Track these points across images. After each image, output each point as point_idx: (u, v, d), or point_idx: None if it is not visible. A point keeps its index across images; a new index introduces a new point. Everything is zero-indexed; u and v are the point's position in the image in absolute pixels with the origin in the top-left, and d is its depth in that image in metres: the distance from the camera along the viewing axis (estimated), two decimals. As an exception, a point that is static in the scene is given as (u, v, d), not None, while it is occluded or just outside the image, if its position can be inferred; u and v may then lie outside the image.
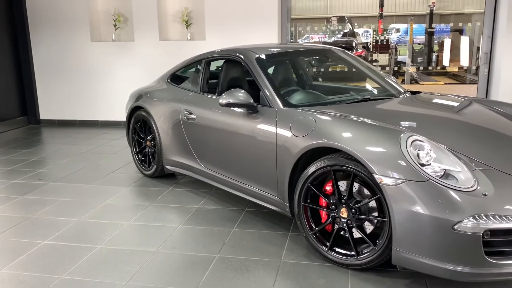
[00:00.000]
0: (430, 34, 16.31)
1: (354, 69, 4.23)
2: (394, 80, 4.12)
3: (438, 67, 15.06)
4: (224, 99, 3.22)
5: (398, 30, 19.00)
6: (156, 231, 3.28)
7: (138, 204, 3.86)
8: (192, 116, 3.81)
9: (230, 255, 2.88)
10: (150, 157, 4.50)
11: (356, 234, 2.62)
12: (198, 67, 4.15)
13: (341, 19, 19.12)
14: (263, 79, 3.34)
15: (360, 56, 15.35)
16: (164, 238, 3.15)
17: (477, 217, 2.14)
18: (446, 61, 13.81)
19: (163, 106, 4.20)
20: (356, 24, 20.31)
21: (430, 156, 2.35)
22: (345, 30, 19.17)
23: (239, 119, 3.33)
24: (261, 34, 6.73)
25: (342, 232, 2.69)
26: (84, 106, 7.60)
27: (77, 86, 7.55)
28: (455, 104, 3.43)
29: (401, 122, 2.81)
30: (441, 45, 15.01)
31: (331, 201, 2.69)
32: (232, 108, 3.31)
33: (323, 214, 2.77)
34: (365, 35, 19.31)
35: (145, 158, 4.59)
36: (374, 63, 18.54)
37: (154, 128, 4.28)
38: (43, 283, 2.59)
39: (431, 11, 17.02)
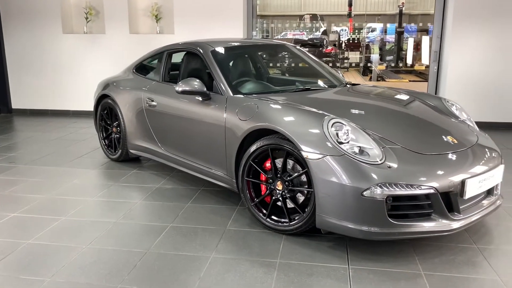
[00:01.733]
0: (399, 34, 16.94)
1: (304, 63, 4.65)
2: (339, 73, 4.56)
3: (408, 65, 15.65)
4: (180, 87, 3.59)
5: (374, 30, 19.64)
6: (117, 206, 3.62)
7: (103, 184, 4.19)
8: (154, 103, 4.16)
9: (181, 225, 3.25)
10: (116, 142, 4.82)
11: (290, 204, 3.03)
12: (161, 58, 4.49)
13: (313, 17, 19.65)
14: (217, 70, 3.71)
15: (330, 53, 15.90)
16: (124, 211, 3.50)
17: (381, 185, 2.57)
18: (409, 59, 14.45)
19: (127, 94, 4.53)
20: (333, 23, 20.87)
21: (348, 135, 2.77)
22: (322, 28, 19.70)
23: (194, 105, 3.70)
24: (228, 29, 7.09)
25: (278, 203, 3.09)
26: (56, 96, 7.83)
27: (49, 76, 7.78)
28: (383, 93, 3.89)
29: (330, 108, 3.23)
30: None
31: (269, 176, 3.09)
32: (187, 95, 3.67)
33: (263, 187, 3.17)
34: (342, 33, 19.91)
35: (111, 143, 4.91)
36: (345, 61, 19.12)
37: (120, 115, 4.60)
38: (11, 247, 2.91)
39: (401, 11, 17.66)
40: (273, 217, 3.11)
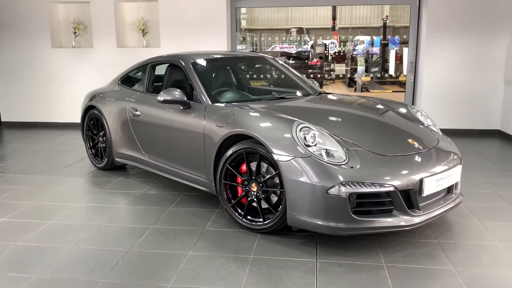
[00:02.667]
0: (384, 46, 17.38)
1: (282, 74, 4.91)
2: (314, 83, 4.81)
3: (393, 76, 16.05)
4: (161, 96, 3.80)
5: (362, 42, 20.09)
6: (102, 210, 3.80)
7: (88, 190, 4.37)
8: (137, 113, 4.37)
9: (162, 226, 3.44)
10: (102, 152, 5.00)
11: (265, 204, 3.23)
12: (145, 70, 4.71)
13: (299, 31, 20.06)
14: (197, 80, 3.94)
15: (315, 65, 16.27)
16: (108, 215, 3.67)
17: (344, 184, 2.79)
18: (391, 70, 14.84)
19: (113, 105, 4.73)
20: (320, 36, 21.30)
21: (315, 139, 2.99)
22: (310, 42, 20.12)
23: (175, 114, 3.91)
24: (212, 42, 7.34)
25: (254, 204, 3.29)
26: (45, 109, 8.00)
27: (38, 89, 7.95)
28: (352, 101, 4.14)
29: (301, 114, 3.46)
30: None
31: (245, 178, 3.30)
32: (169, 104, 3.88)
33: (239, 189, 3.37)
34: (331, 46, 20.38)
35: (97, 152, 5.09)
36: (331, 73, 19.52)
37: (105, 125, 4.80)
38: (1, 247, 3.08)
39: (385, 24, 18.16)
40: (248, 217, 3.31)
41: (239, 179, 3.36)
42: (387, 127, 3.55)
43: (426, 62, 7.09)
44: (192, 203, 3.93)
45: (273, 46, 20.46)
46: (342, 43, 21.12)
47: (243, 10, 25.12)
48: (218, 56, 4.64)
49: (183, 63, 4.15)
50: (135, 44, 7.87)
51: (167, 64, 4.49)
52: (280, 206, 3.10)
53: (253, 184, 3.24)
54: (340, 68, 19.37)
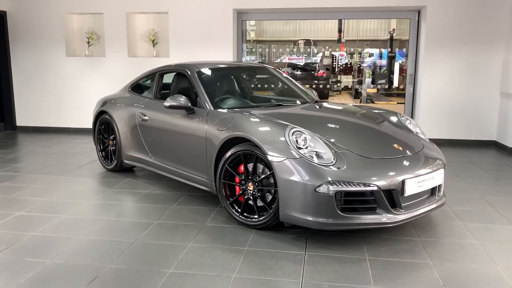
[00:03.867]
0: (390, 58, 17.66)
1: (282, 84, 5.21)
2: (313, 92, 5.10)
3: (400, 88, 16.29)
4: (168, 102, 4.11)
5: (372, 55, 20.42)
6: (110, 207, 4.09)
7: (98, 189, 4.67)
8: (146, 118, 4.68)
9: (166, 221, 3.72)
10: (111, 154, 5.32)
11: (260, 202, 3.50)
12: (153, 78, 5.03)
13: (307, 42, 20.44)
14: (201, 87, 4.24)
15: (321, 76, 16.60)
16: (116, 211, 3.97)
17: (331, 183, 3.05)
18: (396, 82, 15.10)
19: (123, 110, 5.05)
20: (329, 48, 21.65)
21: (306, 141, 3.27)
22: (320, 53, 20.49)
23: (181, 119, 4.22)
24: (219, 52, 7.68)
25: (250, 202, 3.56)
26: (58, 115, 8.37)
27: (52, 96, 8.33)
28: (344, 109, 4.44)
29: (295, 120, 3.74)
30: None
31: (242, 178, 3.57)
32: (175, 109, 4.18)
33: (237, 188, 3.65)
34: (341, 58, 20.79)
35: (107, 155, 5.40)
36: (338, 84, 19.81)
37: (116, 128, 5.11)
38: (17, 237, 3.37)
39: (391, 37, 18.45)
40: (245, 214, 3.58)
41: (237, 179, 3.64)
42: (375, 132, 3.82)
43: (424, 74, 7.36)
44: (194, 202, 4.21)
45: (282, 57, 20.84)
46: (349, 55, 21.49)
47: (252, 22, 25.69)
48: (222, 66, 4.95)
49: (188, 72, 4.46)
50: (145, 54, 8.23)
51: (175, 73, 4.81)
52: (274, 204, 3.36)
53: (250, 184, 3.52)
54: (347, 80, 19.71)
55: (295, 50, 20.41)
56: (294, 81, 5.20)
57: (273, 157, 3.26)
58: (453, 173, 5.39)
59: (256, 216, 3.50)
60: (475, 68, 7.18)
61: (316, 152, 3.23)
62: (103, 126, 5.42)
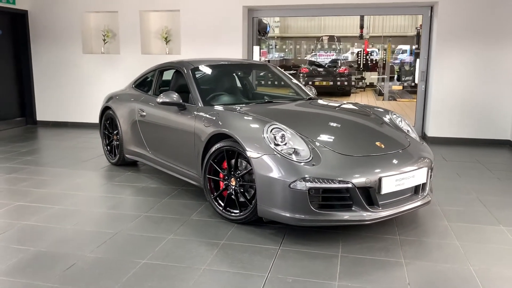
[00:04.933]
0: (416, 55, 17.30)
1: (281, 81, 5.25)
2: (311, 89, 5.11)
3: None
4: (160, 98, 4.22)
5: (405, 51, 20.08)
6: (105, 199, 4.25)
7: (98, 182, 4.84)
8: (144, 113, 4.82)
9: (153, 214, 3.84)
10: (115, 149, 5.49)
11: (241, 198, 3.57)
12: (153, 75, 5.16)
13: (331, 39, 20.25)
14: (193, 84, 4.34)
15: (343, 73, 16.43)
16: (110, 204, 4.12)
17: (305, 179, 3.08)
18: (417, 79, 14.78)
19: (125, 106, 5.21)
20: (354, 44, 21.37)
21: (284, 138, 3.31)
22: (350, 50, 20.30)
23: (173, 115, 4.33)
24: (230, 49, 7.76)
25: (233, 197, 3.63)
26: (76, 110, 8.66)
27: (70, 92, 8.63)
28: (335, 106, 4.45)
29: (280, 116, 3.79)
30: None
31: (225, 173, 3.65)
32: (169, 106, 4.29)
33: (221, 183, 3.72)
34: (374, 54, 20.60)
35: (112, 149, 5.59)
36: (362, 81, 19.55)
37: (118, 124, 5.28)
38: (9, 226, 3.57)
39: (418, 33, 18.04)
40: (228, 208, 3.66)
41: (221, 174, 3.71)
42: (359, 130, 3.82)
43: (437, 71, 7.22)
44: (186, 196, 4.32)
45: (314, 53, 20.66)
46: (374, 52, 21.16)
47: (276, 18, 25.49)
48: (221, 63, 5.02)
49: (184, 68, 4.56)
50: (158, 51, 8.41)
51: (174, 70, 4.92)
52: (253, 200, 3.42)
53: (232, 179, 3.59)
54: (373, 77, 19.42)
55: (318, 46, 20.26)
56: (292, 78, 5.22)
57: (251, 153, 3.32)
58: (455, 172, 5.30)
59: (237, 211, 3.57)
60: (489, 65, 6.99)
61: (295, 149, 3.27)
62: (108, 122, 5.60)
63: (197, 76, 4.46)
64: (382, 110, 4.37)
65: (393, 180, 3.25)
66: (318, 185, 3.09)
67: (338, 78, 16.38)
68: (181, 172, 4.31)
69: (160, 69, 5.07)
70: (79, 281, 2.70)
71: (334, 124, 3.86)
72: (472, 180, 4.97)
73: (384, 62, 19.10)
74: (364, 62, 20.42)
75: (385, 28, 21.10)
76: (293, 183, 3.10)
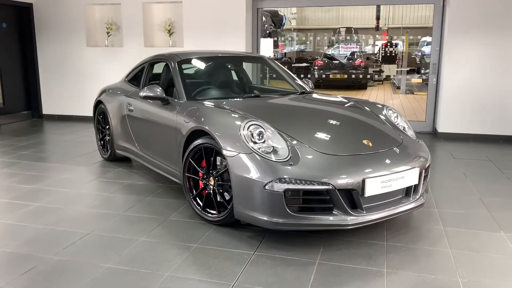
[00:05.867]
0: (439, 47, 16.70)
1: (276, 74, 5.02)
2: (307, 82, 4.86)
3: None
4: (143, 92, 4.05)
5: (430, 43, 19.43)
6: (86, 197, 4.11)
7: (85, 179, 4.71)
8: (131, 108, 4.66)
9: (131, 214, 3.68)
10: (107, 144, 5.37)
11: (220, 198, 3.37)
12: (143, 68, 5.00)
13: (348, 30, 19.79)
14: (178, 77, 4.15)
15: (359, 66, 16.01)
16: (90, 201, 3.98)
17: (281, 180, 2.86)
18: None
19: (114, 100, 5.07)
20: (373, 36, 20.81)
21: (262, 136, 3.09)
22: (377, 42, 19.81)
23: (157, 109, 4.15)
24: (232, 41, 7.54)
25: (212, 196, 3.44)
26: (80, 103, 8.60)
27: (74, 85, 8.58)
28: (328, 101, 4.22)
29: (263, 112, 3.57)
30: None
31: (203, 172, 3.46)
32: (154, 100, 4.12)
33: (200, 182, 3.54)
34: (398, 46, 20.08)
35: (105, 144, 5.46)
36: (380, 73, 19.05)
37: (109, 118, 5.15)
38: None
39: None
40: (207, 209, 3.47)
41: (201, 173, 3.52)
42: (347, 127, 3.56)
43: (449, 64, 6.85)
44: (170, 195, 4.15)
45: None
46: (394, 44, 20.56)
47: (293, 10, 25.07)
48: (212, 55, 4.82)
49: (170, 61, 4.37)
50: (162, 44, 8.25)
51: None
52: (231, 201, 3.21)
53: (211, 178, 3.39)
54: (392, 70, 18.87)
55: (335, 38, 19.79)
56: (288, 71, 4.98)
57: (227, 151, 3.11)
58: (461, 172, 4.98)
59: (215, 212, 3.38)
60: (504, 58, 6.58)
61: (273, 147, 3.05)
62: (101, 116, 5.48)
63: (185, 69, 4.27)
64: (379, 106, 4.09)
65: (379, 182, 3.00)
66: (294, 186, 2.86)
67: (354, 71, 15.97)
68: (165, 169, 4.14)
69: (150, 62, 4.90)
70: (33, 286, 2.56)
71: (321, 121, 3.62)
72: (478, 180, 4.65)
73: (403, 54, 18.56)
74: (383, 54, 19.90)
75: (405, 19, 20.46)
76: (268, 184, 2.89)
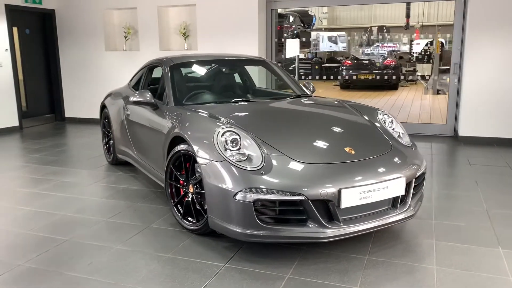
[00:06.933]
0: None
1: (277, 78, 4.89)
2: (311, 86, 4.70)
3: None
4: (134, 97, 4.02)
5: None
6: (76, 201, 4.12)
7: (83, 183, 4.73)
8: (128, 112, 4.65)
9: (115, 220, 3.64)
10: (111, 148, 5.40)
11: (198, 206, 3.27)
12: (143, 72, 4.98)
13: (380, 29, 19.26)
14: (169, 82, 4.10)
15: (389, 65, 15.53)
16: (78, 207, 3.97)
17: (251, 189, 2.73)
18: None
19: (115, 104, 5.08)
20: (406, 35, 20.15)
21: (237, 143, 2.96)
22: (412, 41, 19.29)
23: (149, 114, 4.11)
24: (244, 44, 7.45)
25: (191, 204, 3.35)
26: (99, 107, 8.74)
27: (94, 89, 8.74)
28: (318, 105, 4.06)
29: (247, 117, 3.48)
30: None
31: (183, 179, 3.37)
32: (139, 105, 4.09)
33: (181, 190, 3.45)
34: (414, 45, 19.42)
35: (109, 148, 5.50)
36: (413, 73, 18.45)
37: (111, 122, 5.17)
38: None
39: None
40: (187, 217, 3.38)
41: (182, 181, 3.44)
42: (331, 134, 3.36)
43: (470, 64, 6.47)
44: (160, 200, 4.10)
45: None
46: (428, 43, 19.82)
47: (324, 9, 24.67)
48: (208, 59, 4.74)
49: (163, 66, 4.33)
50: (178, 47, 8.27)
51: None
52: (208, 209, 3.12)
53: (190, 185, 3.31)
54: (426, 69, 18.22)
55: (366, 37, 19.29)
56: (289, 74, 4.83)
57: (200, 158, 3.02)
58: (473, 179, 4.66)
59: (193, 221, 3.29)
60: (531, 56, 6.14)
61: (248, 154, 2.92)
62: (106, 120, 5.52)
63: (179, 73, 4.22)
64: (373, 110, 3.86)
65: (356, 193, 2.81)
66: (264, 196, 2.72)
67: (384, 71, 15.49)
68: (156, 174, 4.09)
69: (150, 67, 4.88)
70: (-6, 295, 2.56)
71: (305, 127, 3.44)
72: (490, 189, 4.33)
73: (440, 53, 17.86)
74: (417, 53, 19.27)
75: (440, 17, 19.69)
76: (238, 193, 2.76)
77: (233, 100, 4.06)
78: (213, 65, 4.70)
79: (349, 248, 3.04)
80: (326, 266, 2.81)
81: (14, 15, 8.03)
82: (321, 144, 3.19)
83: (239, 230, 2.82)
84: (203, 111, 3.58)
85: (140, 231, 3.40)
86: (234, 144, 2.97)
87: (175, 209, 3.48)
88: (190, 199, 3.31)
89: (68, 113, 9.15)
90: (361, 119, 3.66)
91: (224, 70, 4.67)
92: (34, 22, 8.66)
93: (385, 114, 3.75)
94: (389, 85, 15.32)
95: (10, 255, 3.03)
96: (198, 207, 3.26)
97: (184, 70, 4.38)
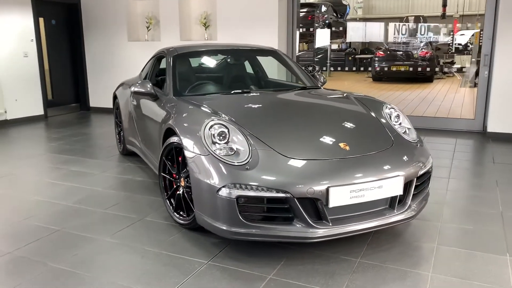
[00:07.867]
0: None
1: (288, 69, 4.72)
2: (322, 77, 4.52)
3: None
4: (134, 87, 3.97)
5: None
6: (79, 191, 4.12)
7: (89, 173, 4.74)
8: (134, 103, 4.62)
9: (112, 212, 3.62)
10: (122, 138, 5.40)
11: (190, 201, 3.18)
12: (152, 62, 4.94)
13: (416, 19, 18.55)
14: (170, 72, 4.02)
15: (424, 57, 14.94)
16: (79, 197, 3.97)
17: (234, 185, 2.61)
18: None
19: (124, 95, 5.07)
20: (446, 24, 19.33)
21: (225, 137, 2.85)
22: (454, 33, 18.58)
23: (150, 104, 4.06)
24: (264, 33, 7.29)
25: (182, 198, 3.27)
26: (122, 97, 8.84)
27: (117, 79, 8.75)
28: (323, 98, 3.89)
29: (242, 109, 3.38)
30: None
31: (175, 172, 3.29)
32: (140, 95, 4.05)
33: (174, 183, 3.38)
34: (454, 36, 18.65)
35: (120, 138, 5.51)
36: (451, 65, 17.71)
37: (121, 113, 5.17)
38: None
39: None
40: (180, 211, 3.30)
41: (174, 174, 3.36)
42: (328, 128, 3.18)
43: (501, 55, 6.07)
44: (159, 193, 4.04)
45: (395, 35, 19.07)
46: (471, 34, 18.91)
47: (359, -1, 23.88)
48: (214, 49, 4.63)
49: (167, 55, 4.26)
50: (198, 37, 8.20)
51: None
52: (198, 204, 3.03)
53: (182, 179, 3.22)
54: (465, 61, 17.41)
55: (402, 27, 18.59)
56: (299, 65, 4.65)
57: (188, 151, 2.93)
58: (494, 179, 4.36)
59: (184, 215, 3.21)
60: None
61: (236, 148, 2.80)
62: (118, 110, 5.52)
63: (181, 63, 4.15)
64: (379, 103, 3.64)
65: (347, 191, 2.64)
66: (247, 193, 2.60)
67: (419, 63, 14.91)
68: (156, 166, 4.03)
69: (157, 57, 4.83)
70: (-26, 283, 2.57)
71: (301, 120, 3.28)
72: (510, 190, 4.03)
73: (480, 44, 17.03)
74: (456, 44, 18.46)
75: (481, 6, 18.72)
76: (221, 189, 2.65)
77: (233, 92, 3.94)
78: (219, 55, 4.59)
79: (341, 249, 2.88)
80: (313, 268, 2.67)
81: (40, 6, 8.19)
82: (315, 138, 3.02)
83: (224, 228, 2.71)
84: (198, 103, 3.48)
85: (132, 224, 3.36)
86: (222, 137, 2.85)
87: (168, 202, 3.41)
88: (181, 192, 3.23)
89: (92, 103, 9.29)
90: (364, 113, 3.46)
91: (230, 60, 4.55)
92: (60, 13, 8.82)
93: (392, 108, 3.53)
94: (424, 78, 14.75)
95: (2, 243, 3.05)
96: (189, 201, 3.17)
97: (188, 60, 4.29)
